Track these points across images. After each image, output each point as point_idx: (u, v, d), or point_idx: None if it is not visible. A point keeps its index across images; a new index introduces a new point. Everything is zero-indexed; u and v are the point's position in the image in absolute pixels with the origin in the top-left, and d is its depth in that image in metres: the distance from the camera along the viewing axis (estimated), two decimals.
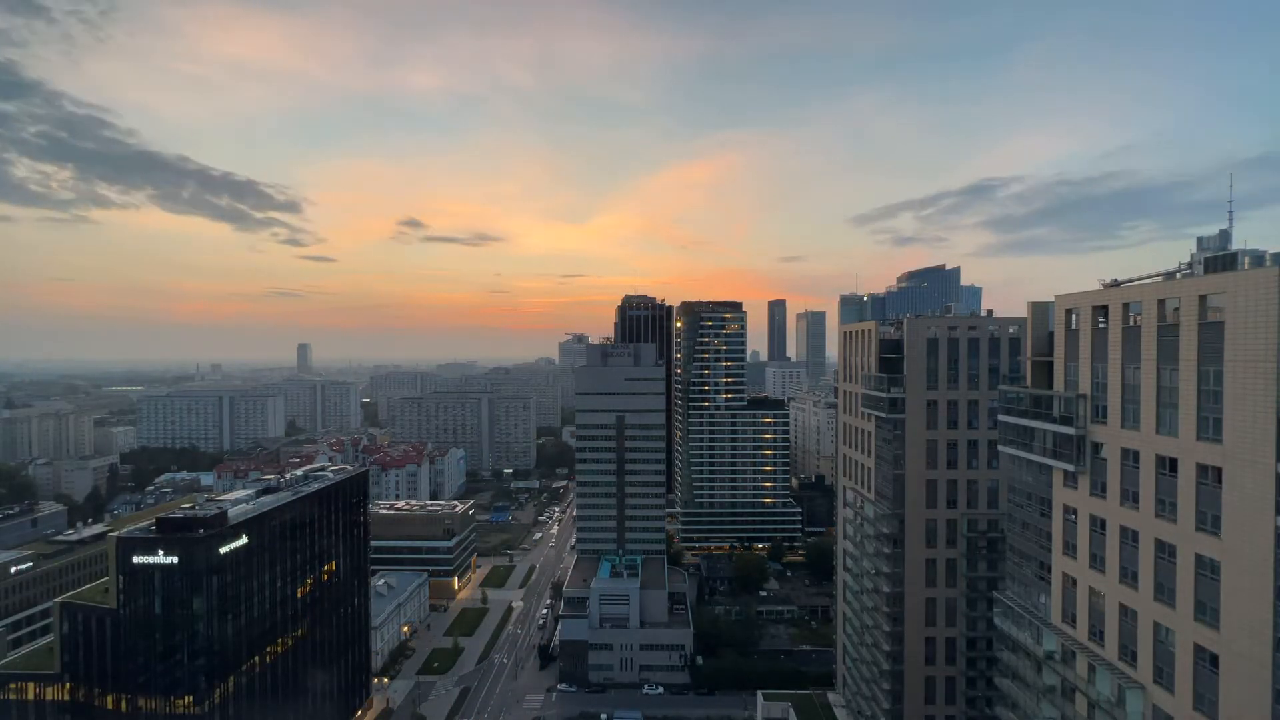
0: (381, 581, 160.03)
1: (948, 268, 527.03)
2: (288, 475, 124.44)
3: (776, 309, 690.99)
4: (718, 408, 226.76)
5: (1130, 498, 50.72)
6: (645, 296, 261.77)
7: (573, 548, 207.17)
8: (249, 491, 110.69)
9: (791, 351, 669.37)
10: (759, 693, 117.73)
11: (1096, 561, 54.46)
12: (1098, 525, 54.24)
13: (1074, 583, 57.20)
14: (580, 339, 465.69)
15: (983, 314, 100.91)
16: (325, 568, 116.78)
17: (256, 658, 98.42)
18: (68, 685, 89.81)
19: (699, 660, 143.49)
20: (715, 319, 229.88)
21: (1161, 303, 47.48)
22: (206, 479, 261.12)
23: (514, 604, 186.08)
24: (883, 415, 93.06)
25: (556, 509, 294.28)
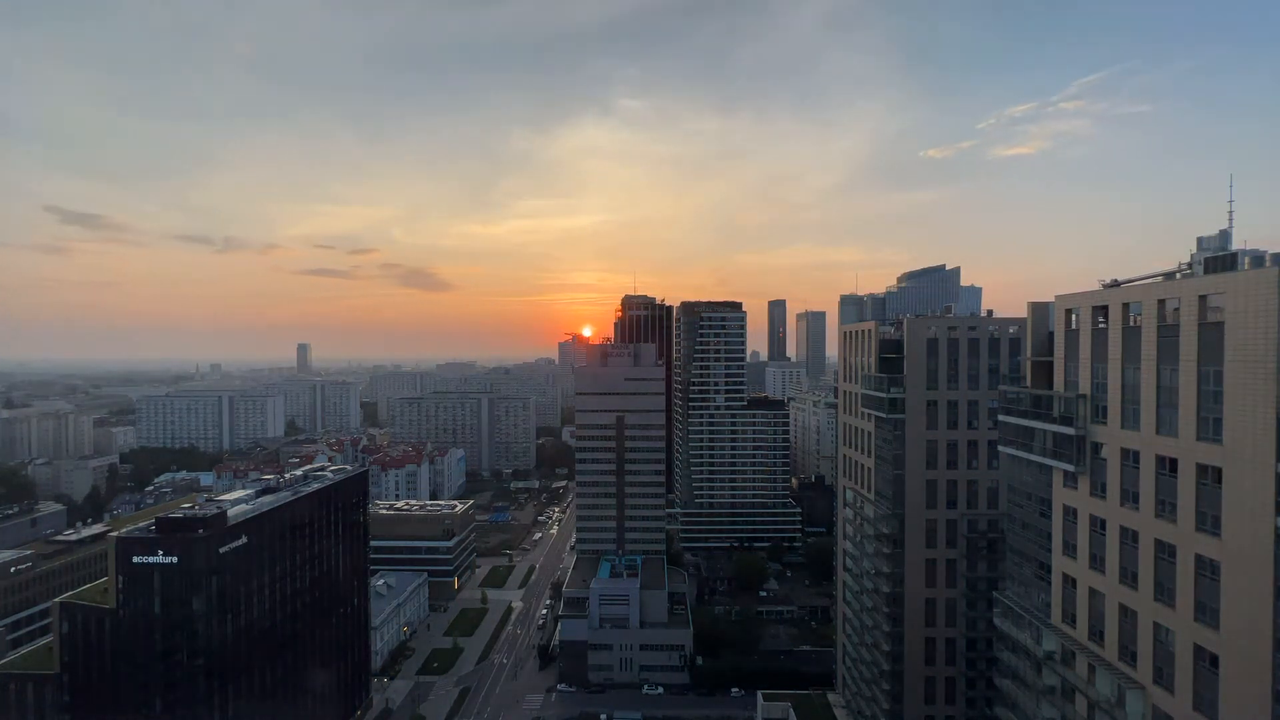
0: (381, 581, 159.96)
1: (948, 268, 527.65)
2: (287, 475, 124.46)
3: (776, 309, 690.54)
4: (718, 408, 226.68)
5: (1130, 498, 50.71)
6: (645, 297, 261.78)
7: (572, 548, 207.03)
8: (249, 491, 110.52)
9: (791, 351, 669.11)
10: (759, 693, 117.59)
11: (1096, 562, 54.46)
12: (1098, 525, 54.22)
13: (1074, 583, 57.19)
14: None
15: (983, 314, 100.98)
16: (325, 568, 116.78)
17: (256, 658, 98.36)
18: (67, 685, 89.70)
19: (699, 660, 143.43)
20: (715, 319, 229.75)
21: (1161, 303, 47.47)
22: (206, 479, 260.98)
23: (514, 604, 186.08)
24: (883, 415, 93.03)
25: (556, 509, 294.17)
